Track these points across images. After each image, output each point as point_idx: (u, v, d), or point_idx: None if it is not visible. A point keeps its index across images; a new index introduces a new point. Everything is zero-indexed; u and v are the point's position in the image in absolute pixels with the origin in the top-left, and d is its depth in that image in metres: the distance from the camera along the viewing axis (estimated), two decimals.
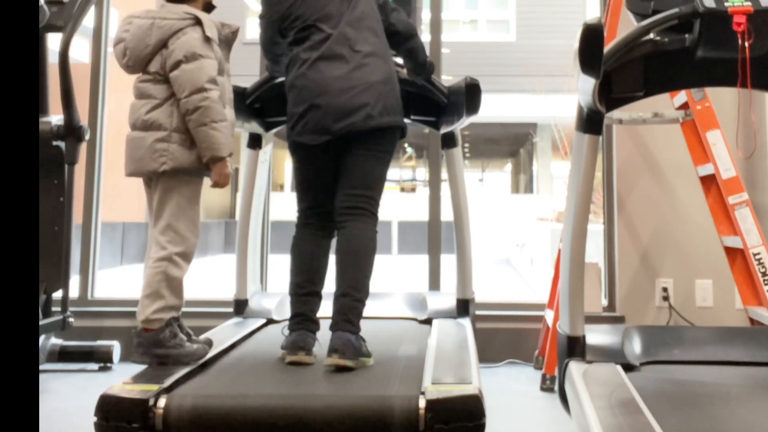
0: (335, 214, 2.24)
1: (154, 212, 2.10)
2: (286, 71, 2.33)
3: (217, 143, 2.04)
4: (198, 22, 2.09)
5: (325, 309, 2.18)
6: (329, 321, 2.11)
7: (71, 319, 3.18)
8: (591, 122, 1.98)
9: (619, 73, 1.98)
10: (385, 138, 2.24)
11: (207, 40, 2.08)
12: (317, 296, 2.23)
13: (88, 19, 3.55)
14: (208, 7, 2.22)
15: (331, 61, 2.21)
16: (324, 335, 2.12)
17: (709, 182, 2.98)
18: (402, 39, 2.44)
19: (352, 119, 2.16)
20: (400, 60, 2.64)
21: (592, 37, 1.82)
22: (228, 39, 2.20)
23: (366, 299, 2.14)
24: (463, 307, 2.90)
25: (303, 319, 2.17)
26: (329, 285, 2.21)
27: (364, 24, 2.26)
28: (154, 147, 2.03)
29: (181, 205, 2.07)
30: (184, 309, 2.16)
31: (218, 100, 2.06)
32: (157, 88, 2.07)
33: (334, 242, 2.28)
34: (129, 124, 2.11)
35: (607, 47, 1.91)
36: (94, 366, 3.25)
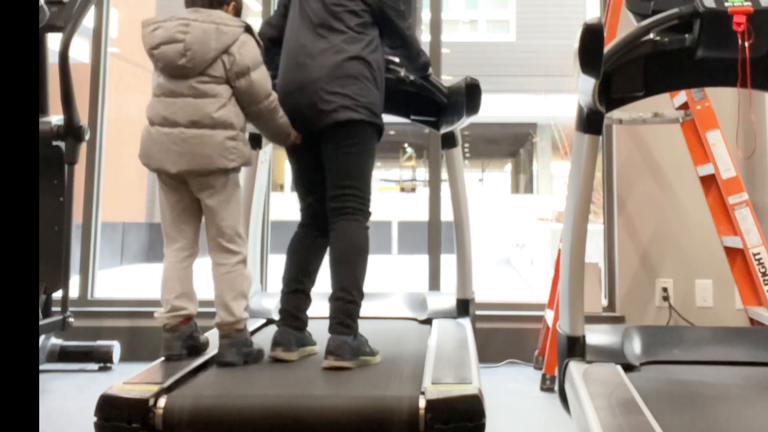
0: (329, 218, 2.23)
1: (214, 218, 2.15)
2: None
3: (287, 126, 2.25)
4: (249, 30, 2.20)
5: (323, 310, 2.18)
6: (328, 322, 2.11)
7: (71, 319, 3.18)
8: (591, 122, 1.98)
9: (619, 73, 1.98)
10: (352, 133, 2.19)
11: (260, 46, 2.22)
12: (303, 294, 2.25)
13: (88, 19, 3.55)
14: (238, 14, 2.30)
15: (291, 58, 2.27)
16: (324, 337, 2.11)
17: (709, 182, 2.98)
18: (397, 49, 2.48)
19: (309, 121, 2.20)
20: (397, 59, 2.65)
21: (592, 37, 1.82)
22: (260, 45, 2.28)
23: (361, 299, 2.14)
24: (463, 307, 2.90)
25: (286, 316, 2.21)
26: (327, 286, 2.21)
27: (326, 18, 2.26)
28: (225, 145, 2.09)
29: (239, 210, 2.22)
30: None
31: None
32: (222, 88, 2.13)
33: None
34: (179, 121, 2.08)
35: (607, 47, 1.91)
36: (94, 366, 3.25)
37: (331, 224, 2.21)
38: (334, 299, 2.12)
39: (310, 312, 2.25)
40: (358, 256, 2.16)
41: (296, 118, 2.23)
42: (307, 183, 2.34)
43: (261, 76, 2.16)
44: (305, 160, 2.31)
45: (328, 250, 2.27)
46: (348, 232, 2.17)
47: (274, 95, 2.20)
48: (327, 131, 2.19)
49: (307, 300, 2.25)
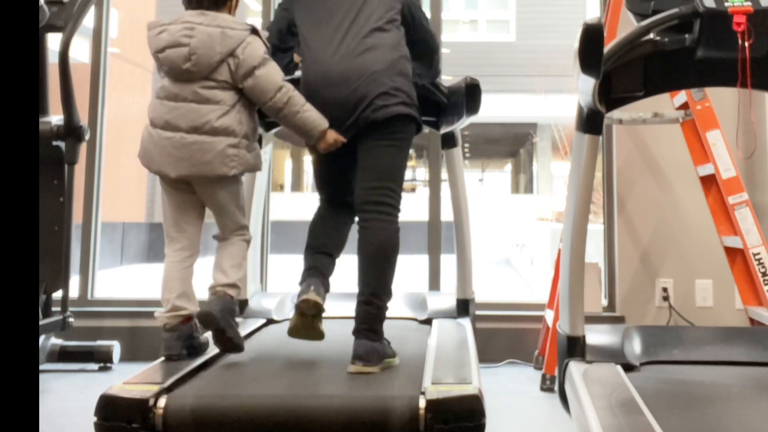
0: (357, 210, 2.22)
1: (218, 216, 2.21)
2: (295, 67, 2.37)
3: (316, 120, 2.17)
4: (255, 31, 2.19)
5: (345, 309, 2.17)
6: (342, 321, 2.10)
7: (71, 319, 3.18)
8: (591, 122, 1.98)
9: (619, 73, 1.98)
10: (396, 126, 2.18)
11: (266, 46, 2.20)
12: (331, 257, 2.23)
13: (88, 19, 3.55)
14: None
15: (333, 54, 2.21)
16: (347, 339, 2.10)
17: (709, 182, 2.98)
18: (421, 54, 2.45)
19: (356, 113, 2.15)
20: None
21: (592, 37, 1.82)
22: (267, 46, 2.26)
23: (389, 302, 2.12)
24: (463, 307, 2.90)
25: (314, 271, 2.16)
26: (350, 284, 2.20)
27: (371, 19, 2.23)
28: (226, 152, 2.09)
29: (241, 206, 2.25)
30: None
31: (296, 90, 2.18)
32: (226, 94, 2.12)
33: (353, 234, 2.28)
34: (181, 126, 2.08)
35: (607, 47, 1.91)
36: (94, 366, 3.25)
37: (363, 221, 2.18)
38: (364, 303, 2.07)
39: (335, 311, 2.26)
40: (391, 257, 2.14)
41: (337, 110, 2.16)
42: (335, 178, 2.33)
43: (266, 71, 2.14)
44: (339, 158, 2.25)
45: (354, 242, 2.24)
46: (383, 231, 2.15)
47: (288, 87, 2.15)
48: (373, 124, 2.15)
49: (332, 265, 2.22)
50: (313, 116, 2.16)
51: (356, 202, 2.22)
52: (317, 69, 2.22)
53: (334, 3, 2.27)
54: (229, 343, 2.08)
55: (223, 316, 2.06)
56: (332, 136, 2.17)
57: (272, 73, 2.15)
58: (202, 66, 2.10)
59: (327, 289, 2.16)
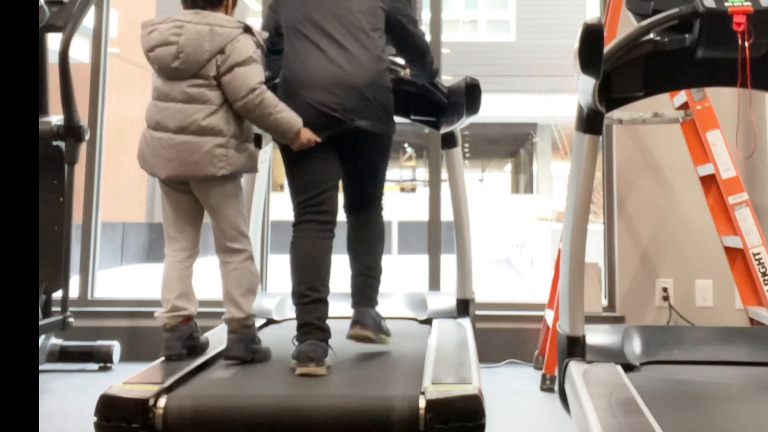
0: (346, 212, 2.35)
1: (216, 219, 2.19)
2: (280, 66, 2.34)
3: (289, 122, 2.15)
4: (248, 29, 2.17)
5: (335, 310, 2.16)
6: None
7: (71, 319, 3.18)
8: (591, 122, 1.98)
9: (619, 73, 1.98)
10: (385, 143, 2.29)
11: (258, 46, 2.19)
12: (323, 302, 2.12)
13: (88, 19, 3.55)
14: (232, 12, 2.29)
15: (316, 59, 2.20)
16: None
17: (709, 182, 2.98)
18: (411, 55, 2.47)
19: (333, 121, 2.16)
20: (401, 60, 2.64)
21: (592, 37, 1.82)
22: (259, 45, 2.25)
23: (381, 278, 2.31)
24: (463, 307, 2.90)
25: (311, 329, 2.06)
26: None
27: (353, 27, 2.23)
28: (213, 152, 2.08)
29: (239, 209, 2.21)
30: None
31: (271, 93, 2.16)
32: (213, 93, 2.11)
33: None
34: (169, 126, 2.09)
35: (607, 47, 1.91)
36: (94, 366, 3.25)
37: (357, 214, 2.36)
38: (359, 275, 2.28)
39: (334, 311, 2.24)
40: (380, 241, 2.36)
41: (313, 113, 2.16)
42: (317, 178, 2.25)
43: (245, 71, 2.10)
44: (321, 156, 2.21)
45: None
46: (370, 219, 2.36)
47: (262, 89, 2.11)
48: (357, 135, 2.19)
49: (327, 308, 2.13)
50: (287, 117, 2.14)
51: (345, 205, 2.36)
52: (299, 70, 2.22)
53: (319, 9, 2.25)
54: (260, 360, 2.15)
55: (248, 353, 2.12)
56: (306, 135, 2.16)
57: (250, 73, 2.11)
58: (190, 64, 2.10)
59: (327, 337, 2.09)
